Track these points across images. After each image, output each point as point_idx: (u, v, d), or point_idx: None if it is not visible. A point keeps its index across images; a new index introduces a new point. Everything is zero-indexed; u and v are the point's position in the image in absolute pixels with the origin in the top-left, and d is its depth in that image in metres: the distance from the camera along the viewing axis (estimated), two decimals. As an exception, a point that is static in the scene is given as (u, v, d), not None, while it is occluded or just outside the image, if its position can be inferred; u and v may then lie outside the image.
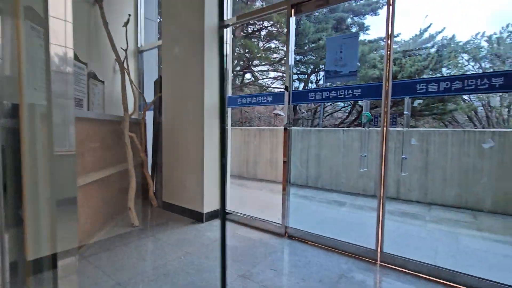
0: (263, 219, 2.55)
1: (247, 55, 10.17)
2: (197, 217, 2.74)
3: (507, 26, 6.26)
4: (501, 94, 6.33)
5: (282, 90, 2.37)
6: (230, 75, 2.93)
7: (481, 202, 3.44)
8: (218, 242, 2.23)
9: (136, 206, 2.96)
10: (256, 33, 10.44)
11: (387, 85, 1.78)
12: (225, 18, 2.78)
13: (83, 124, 2.14)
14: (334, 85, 2.07)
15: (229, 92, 2.90)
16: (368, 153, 4.25)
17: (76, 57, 2.24)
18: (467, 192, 3.53)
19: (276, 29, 9.81)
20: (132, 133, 2.87)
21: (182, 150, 2.90)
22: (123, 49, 2.85)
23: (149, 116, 3.59)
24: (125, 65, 2.99)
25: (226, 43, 2.82)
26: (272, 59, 9.90)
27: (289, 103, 2.30)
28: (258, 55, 10.19)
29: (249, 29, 10.24)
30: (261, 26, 10.23)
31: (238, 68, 10.49)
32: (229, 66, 2.89)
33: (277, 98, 2.43)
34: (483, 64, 6.78)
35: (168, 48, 2.97)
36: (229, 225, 2.63)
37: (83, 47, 2.66)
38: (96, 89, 2.62)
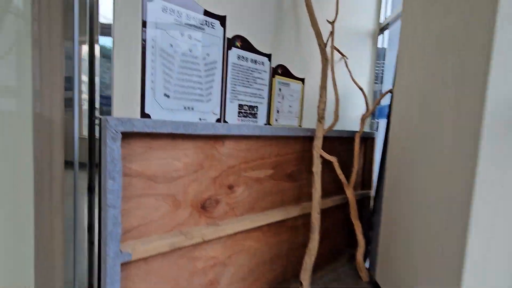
0: None
1: None
2: None
3: None
4: None
5: None
6: None
7: None
8: None
9: (325, 275, 1.80)
10: None
11: None
12: None
13: (239, 144, 1.43)
14: None
15: None
16: None
17: (247, 44, 1.56)
18: None
19: None
20: (333, 157, 1.78)
21: (420, 190, 1.35)
22: (329, 22, 1.79)
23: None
24: (329, 48, 1.93)
25: None
26: None
27: None
28: None
29: None
30: None
31: None
32: None
33: None
34: None
35: (410, 6, 1.50)
36: None
37: (266, 30, 1.87)
38: (287, 91, 1.83)
